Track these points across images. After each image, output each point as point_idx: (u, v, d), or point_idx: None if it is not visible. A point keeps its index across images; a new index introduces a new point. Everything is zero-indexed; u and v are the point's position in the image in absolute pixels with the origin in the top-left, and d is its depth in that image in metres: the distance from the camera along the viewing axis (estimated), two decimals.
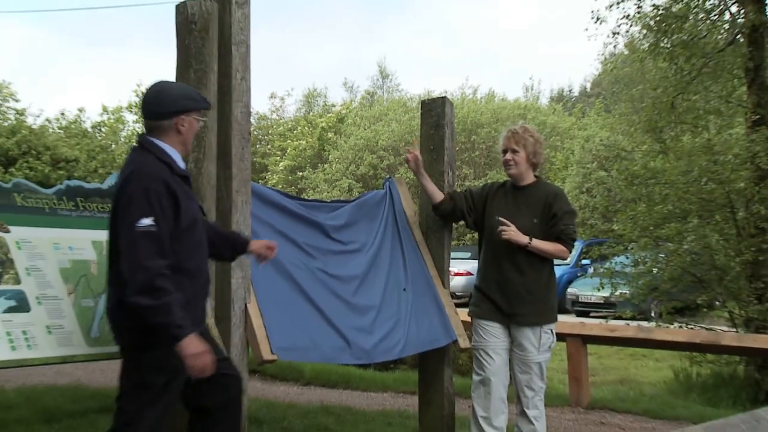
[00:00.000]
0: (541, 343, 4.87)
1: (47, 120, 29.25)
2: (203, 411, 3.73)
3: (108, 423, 5.21)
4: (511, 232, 4.81)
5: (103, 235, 4.11)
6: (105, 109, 29.83)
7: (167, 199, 3.43)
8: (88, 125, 29.48)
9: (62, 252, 3.94)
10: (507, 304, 4.90)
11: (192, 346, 3.33)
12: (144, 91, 3.68)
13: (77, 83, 71.60)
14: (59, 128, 29.03)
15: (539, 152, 4.98)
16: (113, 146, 27.07)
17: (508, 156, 4.95)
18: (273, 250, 4.10)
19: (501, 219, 4.87)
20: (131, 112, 30.26)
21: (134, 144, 3.67)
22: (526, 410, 4.91)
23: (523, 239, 4.80)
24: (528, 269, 4.86)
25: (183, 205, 3.49)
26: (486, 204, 5.09)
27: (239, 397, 3.85)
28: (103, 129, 29.27)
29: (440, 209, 5.26)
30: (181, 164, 3.65)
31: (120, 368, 3.50)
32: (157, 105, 3.59)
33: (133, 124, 30.44)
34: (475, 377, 5.00)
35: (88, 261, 3.99)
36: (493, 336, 4.97)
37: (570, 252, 4.99)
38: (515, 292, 4.87)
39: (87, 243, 4.05)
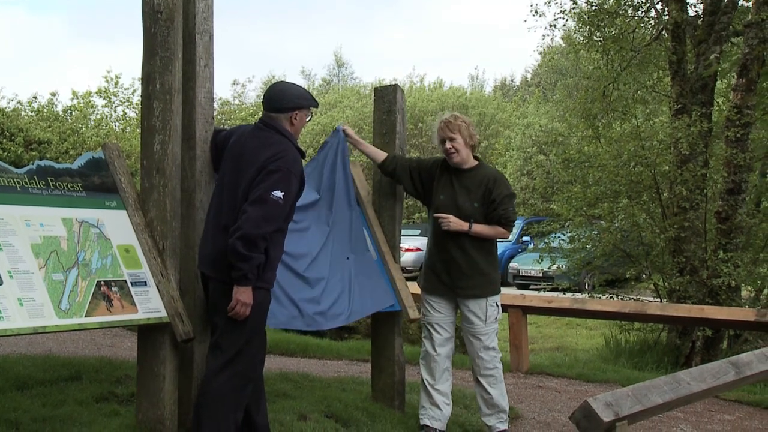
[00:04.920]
0: (487, 315, 4.90)
1: (19, 103, 28.56)
2: None
3: (78, 391, 5.17)
4: (451, 222, 4.81)
5: (72, 213, 4.05)
6: (75, 94, 29.18)
7: (299, 185, 4.05)
8: (60, 109, 28.86)
9: (33, 228, 3.85)
10: (450, 279, 4.91)
11: (246, 295, 3.85)
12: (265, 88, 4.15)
13: (67, 70, 70.07)
14: (32, 111, 28.38)
15: (473, 134, 4.94)
16: (83, 129, 26.53)
17: (448, 145, 4.89)
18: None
19: (437, 215, 4.88)
20: (101, 97, 29.66)
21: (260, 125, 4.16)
22: (479, 378, 4.96)
23: (464, 226, 4.80)
24: (470, 248, 4.86)
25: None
26: (433, 181, 5.06)
27: None
28: (73, 113, 28.66)
29: (384, 167, 5.18)
30: None
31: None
32: (278, 103, 4.12)
33: (102, 108, 29.86)
34: (423, 348, 5.07)
35: (58, 237, 3.91)
36: (438, 311, 5.01)
37: (510, 233, 5.02)
38: (458, 269, 4.88)
39: (57, 220, 3.96)
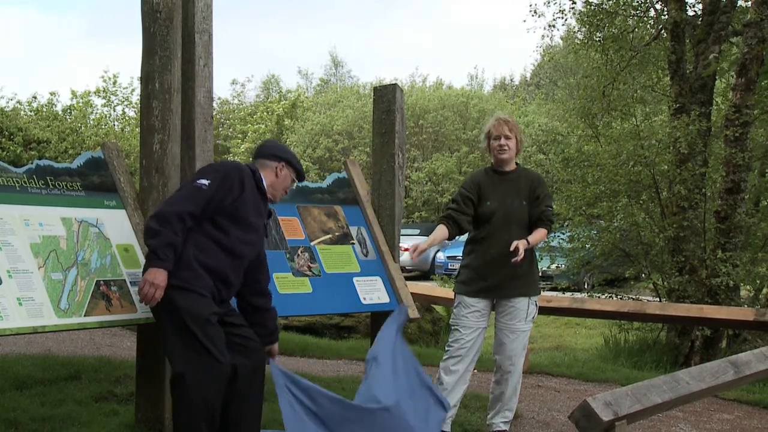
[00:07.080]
0: (528, 313, 4.90)
1: (18, 102, 28.60)
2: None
3: (77, 390, 5.17)
4: (520, 250, 4.67)
5: (72, 212, 4.05)
6: (74, 94, 29.20)
7: (235, 184, 3.79)
8: (59, 109, 28.92)
9: (32, 228, 3.86)
10: (496, 281, 4.85)
11: (153, 274, 3.56)
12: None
13: (70, 70, 69.90)
14: (31, 111, 28.43)
15: (522, 140, 5.01)
16: (82, 128, 26.55)
17: (503, 141, 4.89)
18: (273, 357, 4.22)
19: (514, 260, 4.71)
20: (99, 96, 29.69)
21: None
22: (509, 377, 4.90)
23: (525, 245, 4.71)
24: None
25: (247, 199, 3.85)
26: (479, 191, 4.98)
27: (260, 367, 3.95)
28: (72, 112, 28.70)
29: (452, 236, 4.98)
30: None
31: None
32: (271, 149, 4.12)
33: (101, 107, 29.90)
34: (449, 349, 4.92)
35: (57, 237, 3.91)
36: (473, 315, 4.92)
37: (549, 232, 5.05)
38: (506, 271, 4.81)
39: (56, 220, 3.97)
